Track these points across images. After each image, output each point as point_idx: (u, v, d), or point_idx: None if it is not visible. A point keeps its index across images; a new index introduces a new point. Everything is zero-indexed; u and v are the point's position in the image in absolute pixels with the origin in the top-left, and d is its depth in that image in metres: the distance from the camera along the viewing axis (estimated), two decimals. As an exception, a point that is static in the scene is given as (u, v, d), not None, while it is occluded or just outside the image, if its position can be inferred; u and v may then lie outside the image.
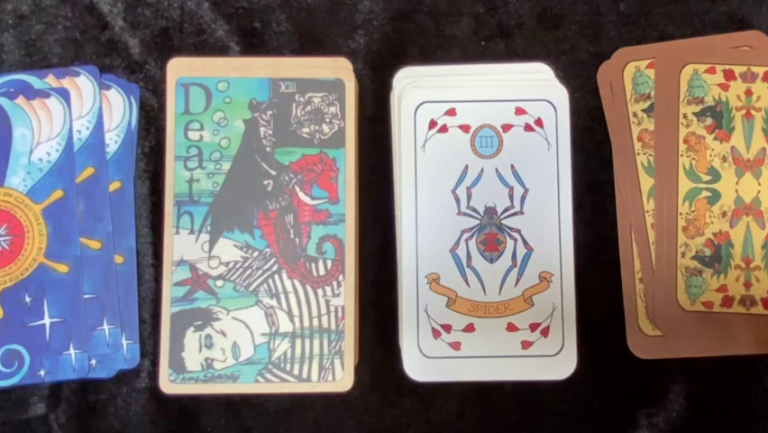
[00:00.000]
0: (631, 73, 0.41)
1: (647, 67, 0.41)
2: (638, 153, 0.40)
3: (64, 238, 0.39)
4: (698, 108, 0.40)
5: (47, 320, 0.39)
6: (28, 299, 0.39)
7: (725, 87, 0.40)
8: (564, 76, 0.41)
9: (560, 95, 0.39)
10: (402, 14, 0.42)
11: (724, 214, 0.39)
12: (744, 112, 0.40)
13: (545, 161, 0.38)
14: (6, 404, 0.39)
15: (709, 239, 0.39)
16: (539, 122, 0.38)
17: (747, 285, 0.39)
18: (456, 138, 0.39)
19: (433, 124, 0.38)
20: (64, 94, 0.40)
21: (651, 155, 0.40)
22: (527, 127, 0.38)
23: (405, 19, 0.42)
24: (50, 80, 0.40)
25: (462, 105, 0.39)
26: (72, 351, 0.39)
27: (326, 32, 0.42)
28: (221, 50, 0.41)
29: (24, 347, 0.39)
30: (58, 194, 0.39)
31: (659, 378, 0.40)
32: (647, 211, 0.40)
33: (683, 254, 0.39)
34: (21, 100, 0.39)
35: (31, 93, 0.40)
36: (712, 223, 0.39)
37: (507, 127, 0.39)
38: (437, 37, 0.42)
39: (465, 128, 0.39)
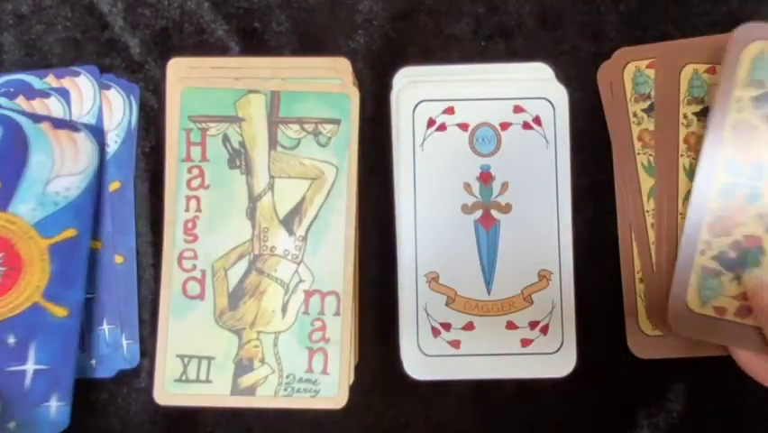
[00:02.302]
0: (631, 73, 0.42)
1: (647, 67, 0.42)
2: (638, 153, 0.41)
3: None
4: (698, 108, 0.41)
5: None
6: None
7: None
8: (564, 76, 0.42)
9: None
10: (402, 14, 0.43)
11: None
12: None
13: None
14: None
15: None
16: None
17: None
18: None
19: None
20: (64, 94, 0.41)
21: (651, 155, 0.41)
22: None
23: (405, 19, 0.43)
24: (50, 80, 0.41)
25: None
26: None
27: (326, 32, 0.43)
28: (221, 50, 0.42)
29: None
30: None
31: (659, 378, 0.41)
32: (647, 211, 0.41)
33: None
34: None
35: (30, 93, 0.41)
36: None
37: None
38: (437, 37, 0.43)
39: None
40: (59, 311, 0.38)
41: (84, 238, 0.38)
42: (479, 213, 0.40)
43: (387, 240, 0.41)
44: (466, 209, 0.39)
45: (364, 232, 0.41)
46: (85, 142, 0.39)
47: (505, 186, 0.40)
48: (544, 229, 0.39)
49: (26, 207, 0.38)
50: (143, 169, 0.42)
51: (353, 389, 0.39)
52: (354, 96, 0.40)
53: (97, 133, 0.40)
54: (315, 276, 0.40)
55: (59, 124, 0.39)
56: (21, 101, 0.41)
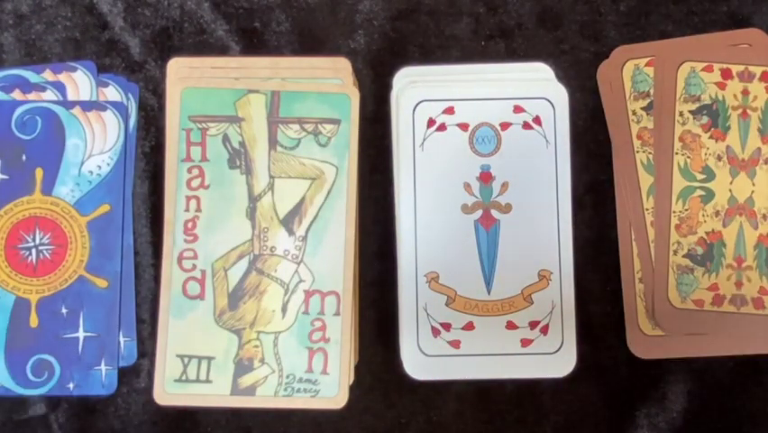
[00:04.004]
0: (630, 71, 0.43)
1: (646, 65, 0.42)
2: (638, 151, 0.42)
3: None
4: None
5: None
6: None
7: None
8: (564, 76, 0.43)
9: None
10: (402, 14, 0.44)
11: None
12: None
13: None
14: (6, 404, 0.41)
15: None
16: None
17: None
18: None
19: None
20: (60, 88, 0.42)
21: (650, 153, 0.42)
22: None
23: (405, 19, 0.44)
24: (47, 75, 0.42)
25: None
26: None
27: (326, 32, 0.43)
28: (221, 50, 0.43)
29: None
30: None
31: (659, 378, 0.42)
32: (647, 209, 0.42)
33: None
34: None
35: (26, 87, 0.42)
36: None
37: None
38: (437, 37, 0.43)
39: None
40: (101, 282, 0.41)
41: (117, 212, 0.42)
42: (479, 213, 0.40)
43: (387, 240, 0.42)
44: (466, 209, 0.40)
45: (364, 232, 0.42)
46: (112, 119, 0.42)
47: (505, 186, 0.40)
48: (544, 229, 0.40)
49: (66, 189, 0.41)
50: (143, 169, 0.43)
51: (353, 389, 0.40)
52: (354, 96, 0.41)
53: (122, 108, 0.42)
54: (315, 276, 0.40)
55: (87, 106, 0.42)
56: (17, 95, 0.42)
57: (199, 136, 0.41)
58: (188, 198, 0.41)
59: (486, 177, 0.41)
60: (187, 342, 0.40)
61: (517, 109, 0.41)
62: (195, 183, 0.41)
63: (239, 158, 0.41)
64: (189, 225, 0.41)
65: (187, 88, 0.41)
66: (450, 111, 0.41)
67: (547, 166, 0.40)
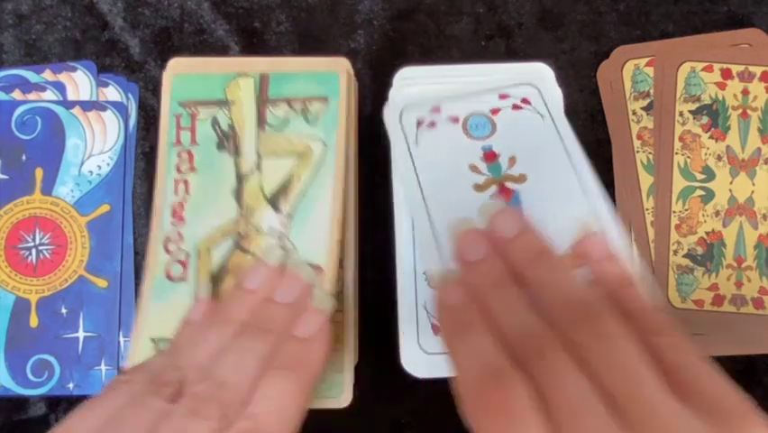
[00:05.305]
0: (630, 71, 0.43)
1: (647, 65, 0.43)
2: (638, 151, 0.42)
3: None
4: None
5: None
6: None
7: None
8: (564, 76, 0.43)
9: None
10: (402, 14, 0.44)
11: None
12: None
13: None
14: (6, 404, 0.41)
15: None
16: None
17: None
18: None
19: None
20: (60, 88, 0.42)
21: (650, 153, 0.42)
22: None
23: (405, 19, 0.44)
24: (47, 75, 0.43)
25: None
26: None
27: (326, 32, 0.44)
28: (221, 50, 0.43)
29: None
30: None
31: (659, 377, 0.42)
32: (647, 209, 0.42)
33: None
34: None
35: (26, 86, 0.42)
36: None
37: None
38: (437, 37, 0.44)
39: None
40: (101, 282, 0.41)
41: (116, 212, 0.42)
42: (493, 189, 0.39)
43: (387, 240, 0.41)
44: (479, 188, 0.39)
45: (364, 232, 0.42)
46: (111, 119, 0.42)
47: (513, 159, 0.39)
48: (566, 186, 0.38)
49: (66, 189, 0.42)
50: (143, 169, 0.43)
51: (353, 388, 0.40)
52: (343, 71, 0.40)
53: (122, 108, 0.42)
54: (299, 251, 0.39)
55: (87, 106, 0.42)
56: (17, 95, 0.42)
57: (189, 121, 0.40)
58: (177, 182, 0.40)
59: (490, 156, 0.39)
60: (163, 325, 0.38)
61: (503, 96, 0.40)
62: (184, 167, 0.40)
63: (227, 140, 0.40)
64: (177, 208, 0.40)
65: (178, 75, 0.41)
66: (436, 110, 0.40)
67: (549, 136, 0.39)
